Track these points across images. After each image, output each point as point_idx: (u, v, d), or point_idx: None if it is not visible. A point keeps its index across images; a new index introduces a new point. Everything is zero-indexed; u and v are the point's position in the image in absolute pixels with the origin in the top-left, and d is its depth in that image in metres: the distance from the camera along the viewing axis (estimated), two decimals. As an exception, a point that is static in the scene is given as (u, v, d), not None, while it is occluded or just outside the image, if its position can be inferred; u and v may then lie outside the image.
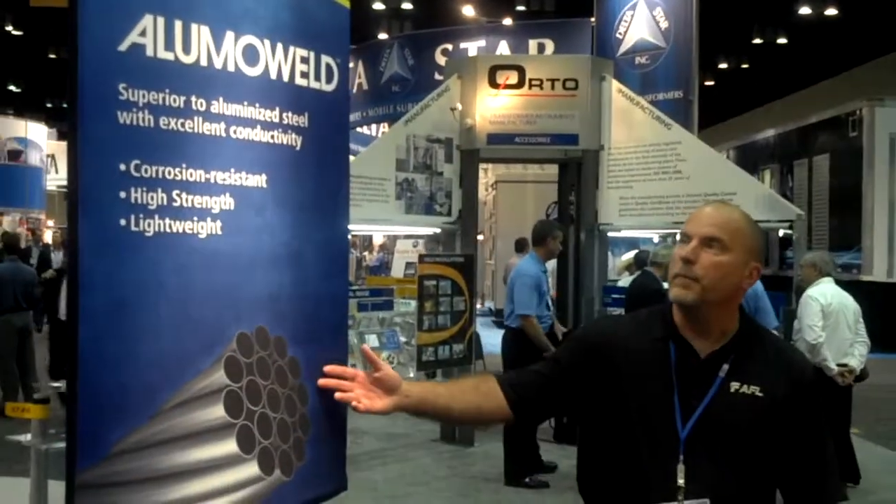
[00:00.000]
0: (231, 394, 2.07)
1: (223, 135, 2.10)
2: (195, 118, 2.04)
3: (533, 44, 14.77)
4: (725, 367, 2.01)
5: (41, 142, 23.71)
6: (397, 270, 17.79)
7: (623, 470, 2.03)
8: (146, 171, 1.94)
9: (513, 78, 8.07)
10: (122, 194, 1.90)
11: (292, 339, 2.23)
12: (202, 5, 2.07)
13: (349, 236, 2.69)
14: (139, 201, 1.92)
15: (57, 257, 15.69)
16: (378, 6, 19.80)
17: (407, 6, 19.88)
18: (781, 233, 9.28)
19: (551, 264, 7.97)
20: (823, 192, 14.97)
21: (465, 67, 8.47)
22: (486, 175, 18.25)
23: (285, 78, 2.27)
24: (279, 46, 2.24)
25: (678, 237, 2.11)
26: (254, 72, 2.18)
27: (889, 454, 8.03)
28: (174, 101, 2.00)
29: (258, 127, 2.19)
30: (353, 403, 2.13)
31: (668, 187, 7.67)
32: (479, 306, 10.33)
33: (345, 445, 2.43)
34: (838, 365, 6.57)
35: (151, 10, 1.95)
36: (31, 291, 9.22)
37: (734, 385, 2.00)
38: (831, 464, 2.07)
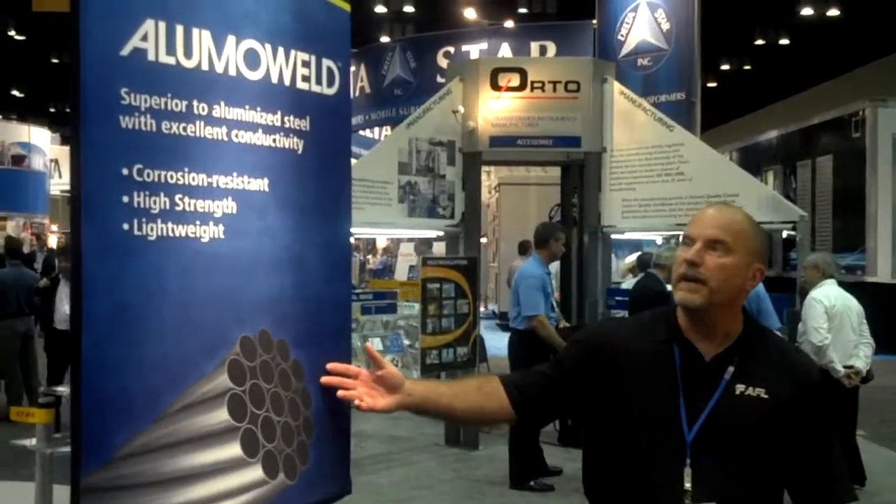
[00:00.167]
0: (234, 397, 2.07)
1: (225, 139, 2.11)
2: (197, 122, 2.04)
3: (535, 46, 14.78)
4: (731, 369, 2.00)
5: (44, 146, 23.75)
6: (401, 273, 17.80)
7: (629, 473, 2.03)
8: (148, 175, 1.94)
9: (515, 80, 8.07)
10: (125, 198, 1.90)
11: (295, 343, 2.23)
12: (203, 10, 2.08)
13: (352, 239, 2.69)
14: (142, 205, 1.93)
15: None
16: (380, 9, 19.82)
17: (409, 9, 19.91)
18: (785, 234, 9.28)
19: (554, 266, 7.97)
20: (827, 193, 14.95)
21: (466, 70, 8.47)
22: (489, 178, 18.25)
23: (286, 82, 2.27)
24: (280, 50, 2.25)
25: (681, 239, 2.11)
26: (255, 76, 2.19)
27: (894, 456, 8.01)
28: (176, 105, 2.00)
29: (260, 131, 2.19)
30: (356, 402, 2.13)
31: (671, 189, 7.67)
32: (482, 309, 10.33)
33: (349, 448, 2.43)
34: (844, 367, 6.56)
35: (153, 15, 1.96)
36: (33, 296, 9.28)
37: (739, 387, 1.99)
38: (839, 464, 2.06)
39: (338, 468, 2.38)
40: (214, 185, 2.07)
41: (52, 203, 24.17)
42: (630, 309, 7.65)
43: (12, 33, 21.65)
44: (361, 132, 17.75)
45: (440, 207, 8.07)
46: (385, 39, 19.40)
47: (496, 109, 8.09)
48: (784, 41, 21.60)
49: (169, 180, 1.98)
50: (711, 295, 1.98)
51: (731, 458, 1.97)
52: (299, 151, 2.29)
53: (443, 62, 14.84)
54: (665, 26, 12.73)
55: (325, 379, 2.21)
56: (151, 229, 1.95)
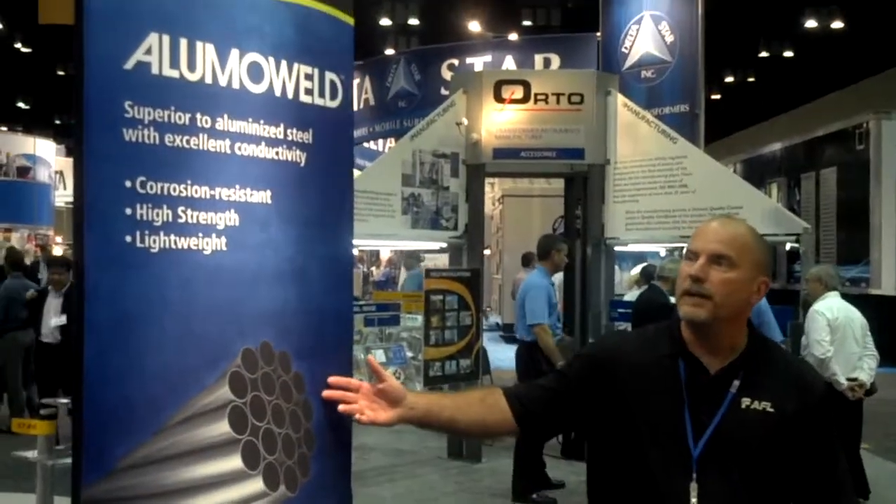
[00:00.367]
0: (236, 409, 2.07)
1: (228, 151, 2.11)
2: (200, 135, 2.05)
3: (539, 58, 14.81)
4: (736, 382, 1.99)
5: (49, 158, 23.81)
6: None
7: (635, 488, 2.02)
8: (151, 187, 1.95)
9: (518, 93, 8.10)
10: (128, 210, 1.91)
11: (297, 355, 2.23)
12: (207, 23, 2.09)
13: (355, 251, 2.70)
14: (145, 217, 1.94)
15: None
16: (385, 22, 19.89)
17: (413, 22, 19.97)
18: (788, 246, 9.28)
19: (557, 278, 7.98)
20: (831, 205, 14.94)
21: (470, 82, 8.50)
22: (493, 189, 18.27)
23: (289, 95, 2.28)
24: (283, 63, 2.26)
25: (685, 253, 2.11)
26: (258, 89, 2.20)
27: (898, 469, 7.98)
28: (179, 118, 2.01)
29: (263, 143, 2.20)
30: (357, 415, 2.13)
31: (675, 201, 7.67)
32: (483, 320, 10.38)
33: (350, 461, 2.42)
34: (848, 379, 6.55)
35: (157, 29, 1.97)
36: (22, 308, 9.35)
37: (745, 401, 1.99)
38: (844, 478, 2.05)
39: (339, 481, 2.38)
40: (217, 197, 2.08)
41: (56, 215, 24.21)
42: (633, 321, 7.64)
43: (18, 46, 21.75)
44: (365, 144, 17.78)
45: (443, 219, 8.08)
46: (390, 52, 19.46)
47: (500, 121, 8.11)
48: (788, 53, 21.63)
49: (172, 192, 1.99)
50: (716, 309, 1.97)
51: (738, 472, 1.96)
52: (302, 164, 2.30)
53: (447, 74, 14.87)
54: (669, 39, 12.76)
55: (326, 393, 2.21)
56: (154, 241, 1.95)
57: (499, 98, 8.11)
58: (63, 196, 23.77)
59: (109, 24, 1.88)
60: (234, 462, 2.06)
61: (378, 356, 8.63)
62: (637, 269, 12.04)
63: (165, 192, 1.98)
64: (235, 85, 2.14)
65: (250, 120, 2.17)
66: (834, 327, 6.60)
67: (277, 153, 2.23)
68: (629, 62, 13.14)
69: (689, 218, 7.48)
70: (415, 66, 15.91)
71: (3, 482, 6.87)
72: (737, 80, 24.25)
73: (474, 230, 8.30)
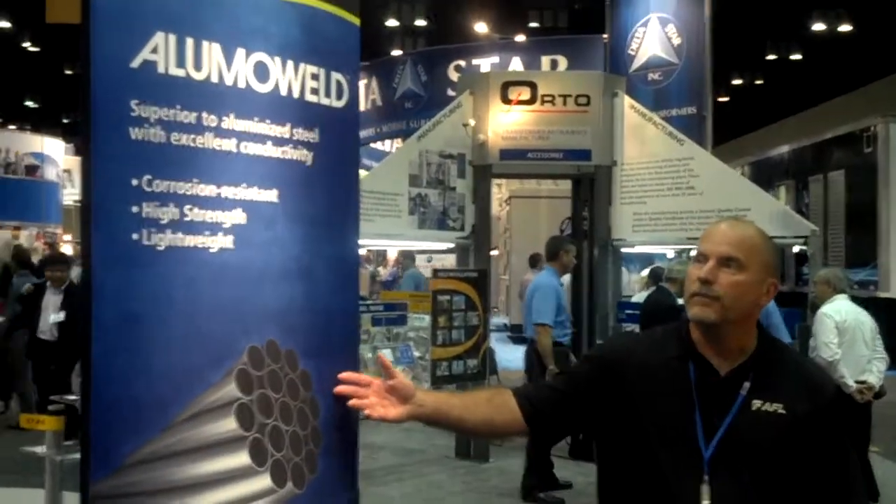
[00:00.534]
0: (242, 406, 2.08)
1: (234, 150, 2.12)
2: (206, 134, 2.06)
3: (546, 60, 14.81)
4: (746, 384, 1.99)
5: (58, 157, 23.90)
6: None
7: (646, 490, 2.01)
8: (158, 185, 1.96)
9: (525, 94, 8.10)
10: (135, 209, 1.92)
11: (303, 353, 2.24)
12: (213, 23, 2.10)
13: (363, 251, 2.70)
14: (151, 216, 1.95)
15: (75, 272, 15.72)
16: (392, 23, 19.90)
17: (420, 23, 19.98)
18: (796, 249, 9.25)
19: (565, 279, 7.98)
20: (839, 208, 14.90)
21: (477, 83, 8.50)
22: (500, 190, 18.28)
23: (296, 94, 2.29)
24: (289, 63, 2.27)
25: (693, 255, 2.10)
26: (264, 88, 2.21)
27: (907, 472, 7.95)
28: (185, 116, 2.02)
29: (269, 142, 2.20)
30: (366, 411, 2.14)
31: (682, 203, 7.66)
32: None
33: (357, 458, 2.43)
34: (857, 382, 6.54)
35: (163, 28, 1.98)
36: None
37: (756, 403, 1.98)
38: (855, 479, 2.05)
39: (346, 478, 2.38)
40: (223, 196, 2.09)
41: (65, 213, 24.30)
42: (641, 322, 7.64)
43: (26, 45, 21.82)
44: (372, 145, 17.81)
45: (450, 220, 8.09)
46: (397, 53, 19.47)
47: (506, 122, 8.12)
48: (796, 56, 21.57)
49: (178, 191, 2.00)
50: (725, 311, 1.97)
51: (749, 474, 1.95)
52: (308, 163, 2.31)
53: (454, 76, 14.89)
54: (676, 41, 12.74)
55: (337, 388, 2.22)
56: (160, 239, 1.96)
57: (505, 99, 8.12)
58: (71, 194, 23.86)
59: (116, 23, 1.89)
60: (242, 458, 2.07)
61: (385, 356, 8.64)
62: (647, 271, 12.04)
63: (172, 190, 1.99)
64: (241, 84, 2.15)
65: (256, 119, 2.18)
66: (842, 330, 6.59)
67: (284, 152, 2.24)
68: (636, 64, 13.13)
69: (696, 220, 7.47)
70: (421, 67, 15.93)
71: (11, 477, 6.90)
72: (744, 82, 24.21)
73: (481, 231, 8.30)
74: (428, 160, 7.93)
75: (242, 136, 2.14)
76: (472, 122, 8.13)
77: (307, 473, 2.23)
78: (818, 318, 6.72)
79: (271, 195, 2.20)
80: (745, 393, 1.99)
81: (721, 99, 23.29)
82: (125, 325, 1.89)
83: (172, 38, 1.99)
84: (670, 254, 11.32)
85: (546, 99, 8.10)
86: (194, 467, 1.97)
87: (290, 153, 2.26)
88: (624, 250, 8.55)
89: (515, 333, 16.47)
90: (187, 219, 2.01)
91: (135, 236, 1.92)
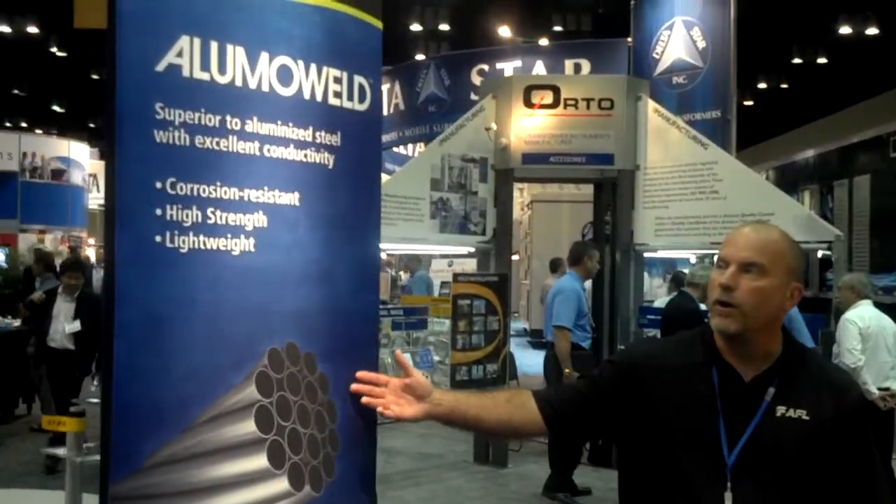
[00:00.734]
0: (262, 409, 2.09)
1: (257, 153, 2.14)
2: (230, 137, 2.08)
3: (569, 64, 14.75)
4: (771, 390, 1.97)
5: (84, 161, 24.10)
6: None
7: (668, 497, 2.00)
8: (181, 188, 1.98)
9: (548, 98, 8.09)
10: (158, 211, 1.94)
11: (322, 356, 2.24)
12: (237, 27, 2.11)
13: (384, 255, 2.71)
14: (174, 218, 1.96)
15: (98, 275, 15.86)
16: (415, 27, 19.94)
17: (444, 27, 20.00)
18: (821, 254, 9.18)
19: (587, 284, 7.97)
20: (864, 213, 14.76)
21: (500, 87, 8.50)
22: (522, 194, 18.25)
23: (318, 98, 2.30)
24: (313, 67, 2.28)
25: (715, 260, 2.08)
26: (287, 92, 2.22)
27: (932, 480, 7.86)
28: (209, 120, 2.04)
29: (291, 146, 2.22)
30: (381, 409, 2.14)
31: (705, 207, 7.62)
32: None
33: (374, 462, 2.43)
34: (880, 389, 6.48)
35: (188, 32, 1.99)
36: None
37: (780, 409, 1.96)
38: (882, 486, 2.01)
39: (363, 482, 2.39)
40: (246, 198, 2.10)
41: (90, 217, 24.50)
42: (662, 327, 7.60)
43: (54, 49, 22.04)
44: (395, 149, 17.81)
45: (472, 224, 8.08)
46: (420, 57, 19.49)
47: (529, 126, 8.11)
48: (822, 60, 21.42)
49: (201, 194, 2.01)
50: (746, 320, 1.95)
51: (773, 481, 1.93)
52: (330, 166, 2.32)
53: (476, 80, 14.87)
54: (701, 44, 12.67)
55: (354, 386, 2.23)
56: (184, 242, 1.98)
57: (528, 103, 8.11)
58: (96, 198, 24.05)
59: (141, 27, 1.91)
60: (260, 461, 2.08)
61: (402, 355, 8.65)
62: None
63: (195, 193, 2.00)
64: (265, 88, 2.17)
65: (279, 122, 2.19)
66: (866, 336, 6.53)
67: (306, 155, 2.25)
68: (660, 68, 13.06)
69: (719, 224, 7.42)
70: (444, 71, 15.92)
71: (35, 479, 6.97)
72: (770, 86, 24.06)
73: (502, 235, 8.29)
74: (450, 164, 7.93)
75: (265, 140, 2.16)
76: (494, 126, 8.13)
77: (324, 477, 2.24)
78: (842, 324, 6.67)
79: (293, 198, 2.21)
80: (770, 399, 1.96)
81: (746, 103, 23.17)
82: (147, 327, 1.90)
83: (197, 41, 2.01)
84: (693, 259, 11.25)
85: (569, 103, 8.08)
86: (213, 469, 1.99)
87: (312, 156, 2.27)
88: (646, 255, 8.50)
89: (535, 338, 16.44)
90: (210, 221, 2.02)
91: (158, 238, 1.93)
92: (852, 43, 19.41)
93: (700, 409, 1.99)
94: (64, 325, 7.59)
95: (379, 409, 2.17)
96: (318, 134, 2.29)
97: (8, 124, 29.62)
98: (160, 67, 1.95)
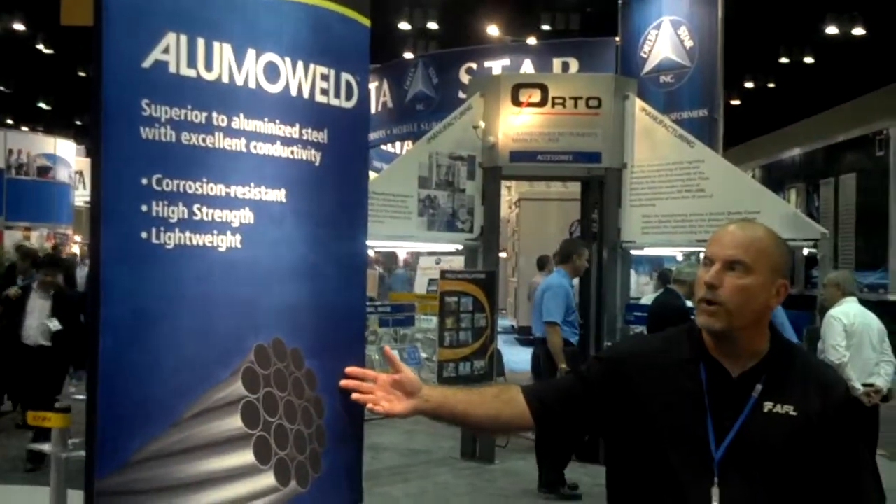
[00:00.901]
0: (248, 405, 2.09)
1: (244, 150, 2.14)
2: (216, 133, 2.08)
3: (557, 62, 14.78)
4: (758, 387, 1.98)
5: (70, 158, 24.00)
6: (420, 287, 17.82)
7: (656, 492, 2.01)
8: (168, 185, 1.98)
9: (535, 96, 8.10)
10: (144, 207, 1.94)
11: (309, 352, 2.25)
12: (224, 23, 2.11)
13: (371, 253, 2.72)
14: (160, 214, 1.96)
15: (82, 272, 15.77)
16: (404, 25, 19.93)
17: (432, 26, 20.00)
18: (806, 252, 9.23)
19: (574, 282, 7.99)
20: (850, 211, 14.83)
21: (488, 86, 8.51)
22: (510, 192, 18.27)
23: (305, 95, 2.30)
24: (300, 64, 2.28)
25: (701, 259, 2.10)
26: (274, 88, 2.22)
27: (915, 477, 7.92)
28: (196, 116, 2.04)
29: (278, 142, 2.22)
30: (371, 405, 2.15)
31: (691, 205, 7.65)
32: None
33: (361, 458, 2.44)
34: (864, 385, 6.53)
35: (174, 28, 2.00)
36: None
37: (768, 405, 1.97)
38: (868, 481, 2.03)
39: (350, 477, 2.40)
40: (232, 195, 2.11)
41: (76, 214, 24.40)
42: (649, 324, 7.63)
43: (40, 47, 21.93)
44: (383, 147, 17.80)
45: (459, 221, 8.10)
46: (409, 55, 19.48)
47: (517, 125, 8.12)
48: (808, 59, 21.52)
49: (188, 190, 2.02)
50: (731, 318, 1.96)
51: (760, 476, 1.94)
52: (317, 163, 2.32)
53: (465, 78, 14.87)
54: (688, 44, 12.71)
55: (343, 382, 2.24)
56: (170, 238, 1.98)
57: (516, 101, 8.12)
58: (83, 196, 23.95)
59: (127, 24, 1.91)
60: (247, 457, 2.08)
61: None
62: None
63: (181, 189, 2.00)
64: (252, 84, 2.17)
65: (266, 119, 2.20)
66: (850, 332, 6.58)
67: (293, 152, 2.26)
68: (648, 67, 13.10)
69: (705, 222, 7.46)
70: (433, 69, 15.92)
71: (17, 476, 6.96)
72: (757, 85, 24.15)
73: (490, 233, 8.31)
74: (438, 162, 7.94)
75: (252, 136, 2.16)
76: (482, 124, 8.14)
77: (311, 472, 2.25)
78: (826, 320, 6.71)
79: (280, 195, 2.22)
80: (757, 395, 1.98)
81: (733, 102, 23.25)
82: (133, 323, 1.91)
83: (184, 38, 2.01)
84: (679, 256, 11.30)
85: (557, 101, 8.10)
86: (200, 465, 1.99)
87: (298, 153, 2.28)
88: (633, 252, 8.54)
89: (523, 335, 16.47)
90: (196, 218, 2.03)
91: (144, 235, 1.94)
92: (839, 43, 19.51)
93: (687, 406, 2.00)
94: (39, 321, 7.49)
95: (369, 405, 2.18)
96: (304, 131, 2.29)
97: (-6, 121, 29.48)
98: (147, 64, 1.95)
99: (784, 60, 21.70)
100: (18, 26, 20.08)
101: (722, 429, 1.97)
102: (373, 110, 15.98)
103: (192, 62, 2.04)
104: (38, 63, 23.45)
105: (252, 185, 2.15)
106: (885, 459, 7.54)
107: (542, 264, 13.70)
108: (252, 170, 2.16)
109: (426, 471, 7.75)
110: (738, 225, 2.06)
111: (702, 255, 2.10)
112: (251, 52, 2.17)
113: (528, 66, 14.84)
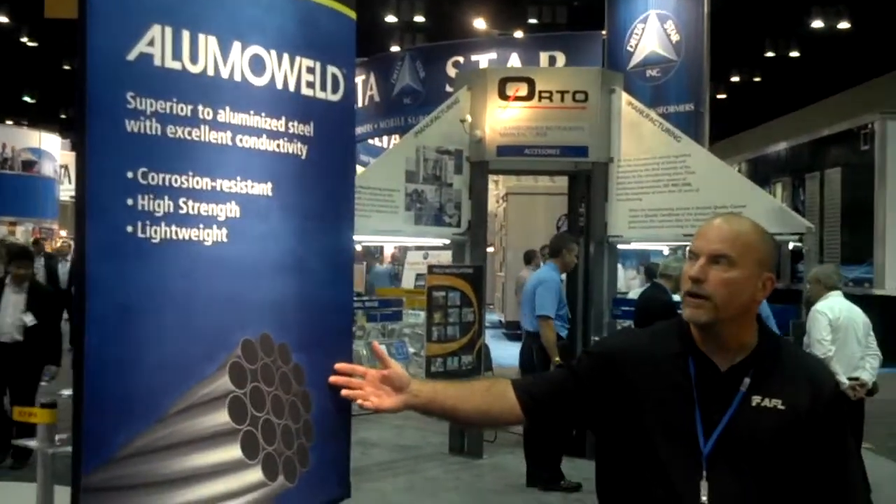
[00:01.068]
0: (235, 400, 2.09)
1: (229, 143, 2.13)
2: (202, 127, 2.07)
3: (544, 56, 14.78)
4: (747, 381, 1.98)
5: (55, 152, 23.89)
6: (408, 281, 17.82)
7: (645, 486, 2.01)
8: (153, 178, 1.97)
9: (522, 90, 8.09)
10: (129, 201, 1.93)
11: (296, 346, 2.24)
12: (210, 16, 2.10)
13: (358, 247, 2.71)
14: (146, 208, 1.95)
15: (64, 268, 15.67)
16: (391, 19, 19.90)
17: (419, 19, 19.98)
18: (792, 246, 9.26)
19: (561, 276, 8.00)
20: (835, 205, 14.92)
21: (475, 79, 8.49)
22: (497, 187, 18.27)
23: (291, 88, 2.29)
24: (286, 57, 2.27)
25: (687, 252, 2.10)
26: (260, 81, 2.21)
27: (900, 469, 7.98)
28: (181, 109, 2.03)
29: (264, 136, 2.21)
30: (360, 401, 2.14)
31: (678, 199, 7.67)
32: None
33: (349, 452, 2.44)
34: (850, 379, 6.56)
35: (159, 20, 1.98)
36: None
37: (756, 399, 1.97)
38: (856, 474, 2.03)
39: (338, 472, 2.39)
40: (218, 188, 2.10)
41: (61, 208, 24.30)
42: (636, 318, 7.64)
43: (25, 40, 21.80)
44: (370, 141, 17.77)
45: (446, 216, 8.09)
46: (395, 49, 19.45)
47: (504, 119, 8.11)
48: (794, 53, 21.61)
49: (173, 184, 2.00)
50: (716, 311, 1.96)
51: (749, 470, 1.94)
52: (303, 156, 2.31)
53: (452, 72, 14.85)
54: (674, 38, 12.74)
55: (332, 378, 2.23)
56: (155, 232, 1.97)
57: (503, 95, 8.11)
58: (68, 190, 23.85)
59: (112, 16, 1.90)
60: (234, 452, 2.08)
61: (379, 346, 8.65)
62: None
63: (167, 183, 1.99)
64: (237, 77, 2.16)
65: (252, 112, 2.19)
66: (835, 327, 6.61)
67: (279, 145, 2.25)
68: (634, 61, 13.13)
69: (692, 216, 7.47)
70: (420, 63, 15.89)
71: (2, 472, 6.92)
72: (742, 79, 24.24)
73: (477, 227, 8.30)
74: (425, 156, 7.93)
75: (238, 130, 2.15)
76: (469, 119, 8.13)
77: (299, 467, 2.24)
78: (812, 315, 6.74)
79: (266, 188, 2.21)
80: (745, 389, 1.98)
81: (719, 96, 23.34)
82: (119, 317, 1.90)
83: (169, 30, 2.00)
84: (666, 250, 11.34)
85: (543, 95, 8.09)
86: (186, 460, 1.98)
87: (285, 146, 2.26)
88: (620, 247, 8.55)
89: (510, 330, 16.49)
90: (182, 211, 2.02)
91: (129, 228, 1.92)
92: (825, 37, 19.59)
93: (676, 399, 2.01)
94: (14, 316, 7.29)
95: (358, 401, 2.17)
96: (290, 124, 2.28)
97: (-22, 115, 29.27)
98: (131, 56, 1.93)
99: (770, 54, 21.79)
100: (2, 19, 19.97)
101: (710, 422, 1.97)
102: (359, 104, 15.94)
103: (177, 55, 2.02)
104: (22, 56, 23.32)
105: (238, 178, 2.14)
106: (870, 453, 7.60)
107: (529, 258, 13.72)
108: (238, 163, 2.14)
109: (415, 466, 7.75)
110: (723, 219, 2.06)
111: (688, 249, 2.10)
112: (237, 45, 2.16)
113: (514, 60, 14.84)
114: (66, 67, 23.18)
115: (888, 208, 13.63)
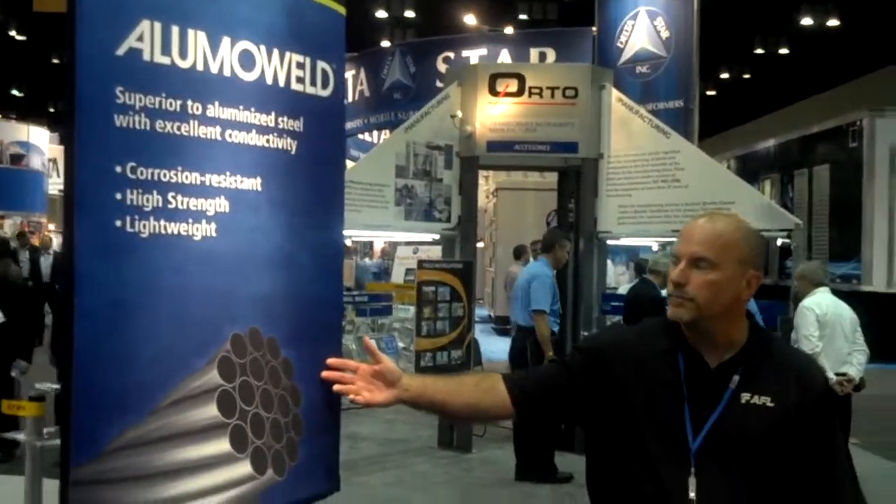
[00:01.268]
0: (224, 393, 2.09)
1: (219, 138, 2.13)
2: (191, 122, 2.07)
3: (534, 52, 14.79)
4: (736, 377, 1.99)
5: (43, 146, 23.78)
6: (398, 276, 17.83)
7: (634, 481, 2.02)
8: (142, 173, 1.97)
9: (513, 86, 8.10)
10: (118, 196, 1.93)
11: (285, 340, 2.25)
12: (199, 11, 2.10)
13: (348, 242, 2.71)
14: (135, 203, 1.95)
15: (46, 261, 15.59)
16: (381, 14, 19.89)
17: (409, 14, 19.97)
18: (780, 242, 9.30)
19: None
20: (824, 202, 14.98)
21: (465, 75, 8.50)
22: (487, 182, 18.29)
23: (281, 83, 2.29)
24: (275, 52, 2.27)
25: (671, 255, 2.11)
26: (250, 77, 2.21)
27: (887, 464, 8.02)
28: (170, 104, 2.03)
29: (253, 131, 2.22)
30: (352, 396, 2.15)
31: (667, 195, 7.69)
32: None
33: (338, 446, 2.45)
34: (837, 374, 6.59)
35: (149, 16, 1.98)
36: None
37: (745, 396, 1.98)
38: (845, 471, 2.04)
39: (327, 465, 2.40)
40: (207, 183, 2.10)
41: (49, 202, 24.19)
42: (625, 314, 7.67)
43: (13, 33, 21.69)
44: (360, 136, 17.76)
45: (436, 211, 8.09)
46: (386, 44, 19.43)
47: (494, 114, 8.12)
48: (783, 50, 21.69)
49: (162, 178, 2.01)
50: (699, 311, 1.97)
51: (737, 467, 1.95)
52: (292, 152, 2.32)
53: (442, 67, 14.86)
54: (664, 34, 12.77)
55: (324, 374, 2.23)
56: (144, 227, 1.97)
57: (493, 91, 8.12)
58: (56, 184, 23.74)
59: (101, 11, 1.90)
60: (223, 445, 2.08)
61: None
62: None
63: (156, 177, 2.00)
64: (227, 72, 2.16)
65: (241, 107, 2.19)
66: (823, 323, 6.65)
67: (268, 140, 2.25)
68: (624, 57, 13.15)
69: (681, 212, 7.49)
70: (410, 58, 15.89)
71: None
72: (732, 76, 24.32)
73: (467, 222, 8.31)
74: (415, 151, 7.93)
75: (227, 125, 2.15)
76: (459, 114, 8.14)
77: (287, 461, 2.25)
78: (799, 311, 6.77)
79: (255, 183, 2.21)
80: (735, 386, 1.99)
81: (709, 92, 23.41)
82: (108, 312, 1.90)
83: (158, 25, 2.00)
84: (655, 246, 11.38)
85: (534, 91, 8.10)
86: (176, 453, 1.99)
87: (274, 142, 2.27)
88: (609, 242, 8.57)
89: (500, 325, 16.51)
90: (171, 206, 2.02)
91: (118, 223, 1.93)
92: (814, 34, 19.67)
93: (666, 396, 2.01)
94: None
95: (350, 396, 2.18)
96: (280, 119, 2.29)
97: (-34, 109, 29.14)
98: (120, 51, 1.94)
99: (759, 51, 21.85)
100: (-10, 13, 19.85)
101: (699, 419, 1.98)
102: (350, 99, 15.92)
103: (166, 50, 2.02)
104: (10, 50, 23.20)
105: (227, 173, 2.14)
106: (857, 448, 7.64)
107: (519, 254, 13.73)
108: (227, 158, 2.15)
109: (404, 460, 7.76)
110: (706, 219, 2.06)
111: (671, 252, 2.11)
112: (226, 40, 2.16)
113: (505, 56, 14.85)
114: (55, 61, 23.09)
115: (876, 205, 13.70)
